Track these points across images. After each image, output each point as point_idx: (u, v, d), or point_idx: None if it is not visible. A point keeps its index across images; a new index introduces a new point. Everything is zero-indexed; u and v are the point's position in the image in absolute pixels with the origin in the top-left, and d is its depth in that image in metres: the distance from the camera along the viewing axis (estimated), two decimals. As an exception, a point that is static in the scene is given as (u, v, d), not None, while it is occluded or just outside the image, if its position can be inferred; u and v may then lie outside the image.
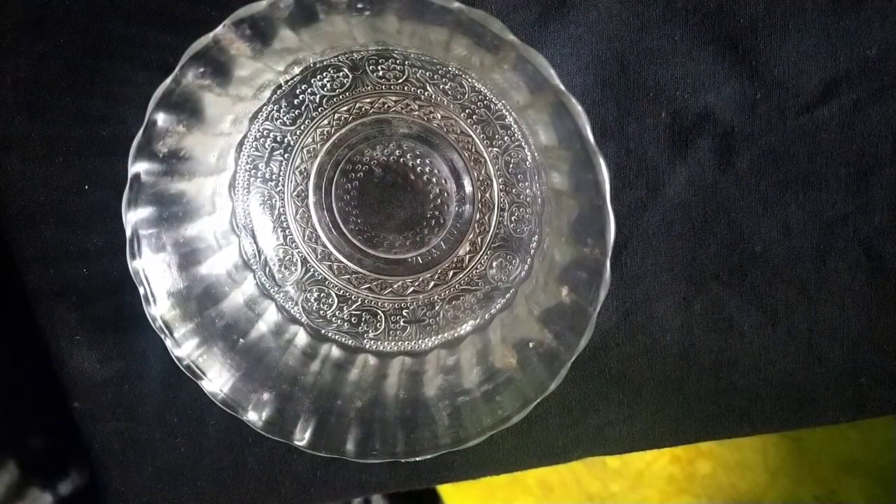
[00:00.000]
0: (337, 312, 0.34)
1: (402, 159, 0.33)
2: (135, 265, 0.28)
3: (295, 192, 0.33)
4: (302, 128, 0.32)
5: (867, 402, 0.37)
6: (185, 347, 0.29)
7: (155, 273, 0.28)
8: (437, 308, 0.34)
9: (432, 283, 0.34)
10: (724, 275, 0.35)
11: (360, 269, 0.34)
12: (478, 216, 0.33)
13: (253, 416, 0.29)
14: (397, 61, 0.31)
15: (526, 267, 0.32)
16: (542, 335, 0.29)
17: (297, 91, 0.31)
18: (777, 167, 0.34)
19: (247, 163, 0.32)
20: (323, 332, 0.34)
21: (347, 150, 0.33)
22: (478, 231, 0.33)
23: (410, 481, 0.38)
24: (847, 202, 0.34)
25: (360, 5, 0.24)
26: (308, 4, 0.24)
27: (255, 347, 0.31)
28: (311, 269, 0.34)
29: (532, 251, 0.32)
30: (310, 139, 0.32)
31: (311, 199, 0.33)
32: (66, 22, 0.32)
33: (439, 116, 0.32)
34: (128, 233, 0.27)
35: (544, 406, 0.28)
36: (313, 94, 0.32)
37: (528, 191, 0.32)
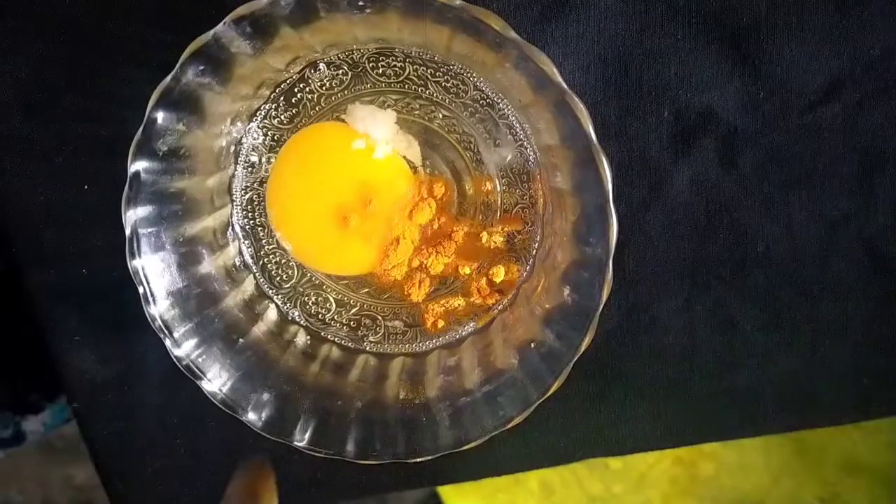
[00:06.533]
0: (336, 317, 0.33)
1: (401, 160, 0.32)
2: (134, 264, 0.28)
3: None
4: (299, 126, 0.32)
5: (870, 404, 0.37)
6: (184, 347, 0.29)
7: (154, 272, 0.28)
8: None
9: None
10: (727, 274, 0.34)
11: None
12: (480, 218, 0.32)
13: (252, 417, 0.29)
14: (398, 58, 0.30)
15: (528, 267, 0.32)
16: (544, 335, 0.28)
17: (296, 89, 0.31)
18: (780, 166, 0.33)
19: (246, 161, 0.32)
20: (322, 334, 0.33)
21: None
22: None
23: (411, 482, 0.38)
24: (850, 202, 0.34)
25: (361, 3, 0.24)
26: (309, 2, 0.24)
27: (255, 347, 0.31)
28: (308, 273, 0.33)
29: (534, 251, 0.32)
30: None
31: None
32: (66, 22, 0.32)
33: (440, 116, 0.31)
34: (127, 231, 0.27)
35: (546, 407, 0.28)
36: (311, 92, 0.31)
37: (530, 191, 0.31)
